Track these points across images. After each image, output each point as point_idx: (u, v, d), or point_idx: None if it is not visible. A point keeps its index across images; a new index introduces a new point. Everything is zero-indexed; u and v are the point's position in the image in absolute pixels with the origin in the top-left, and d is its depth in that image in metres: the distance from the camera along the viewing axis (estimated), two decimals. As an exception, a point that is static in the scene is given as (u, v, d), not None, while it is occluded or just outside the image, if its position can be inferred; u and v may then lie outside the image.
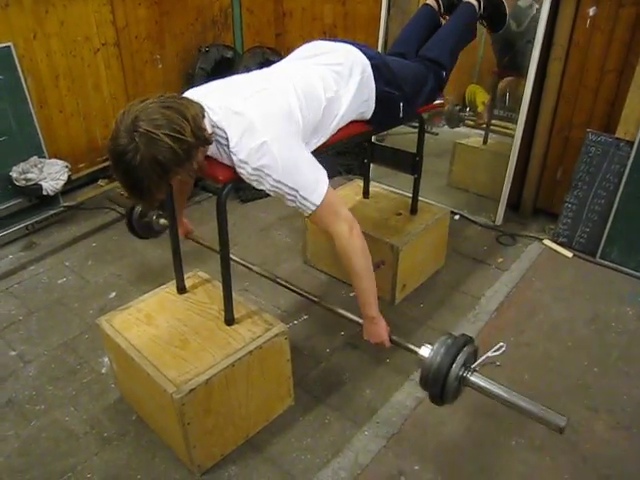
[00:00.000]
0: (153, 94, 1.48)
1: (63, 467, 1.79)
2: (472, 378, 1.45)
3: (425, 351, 1.51)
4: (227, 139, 1.56)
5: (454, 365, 1.42)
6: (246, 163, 1.54)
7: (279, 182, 1.56)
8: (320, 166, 1.64)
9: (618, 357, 2.23)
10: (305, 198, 1.58)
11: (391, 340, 1.69)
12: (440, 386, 1.44)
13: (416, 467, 1.78)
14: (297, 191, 1.57)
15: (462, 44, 2.33)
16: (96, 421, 1.96)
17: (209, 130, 1.54)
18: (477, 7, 2.38)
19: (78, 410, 2.01)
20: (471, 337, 1.51)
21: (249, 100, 1.60)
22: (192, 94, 1.66)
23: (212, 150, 1.62)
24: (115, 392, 2.08)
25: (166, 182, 1.47)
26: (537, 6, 2.80)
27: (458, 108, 3.45)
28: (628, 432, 1.90)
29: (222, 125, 1.56)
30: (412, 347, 1.60)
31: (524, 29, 2.91)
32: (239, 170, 1.58)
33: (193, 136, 1.43)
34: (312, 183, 1.59)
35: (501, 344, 1.46)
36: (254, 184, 1.60)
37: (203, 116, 1.52)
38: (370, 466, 1.78)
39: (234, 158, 1.56)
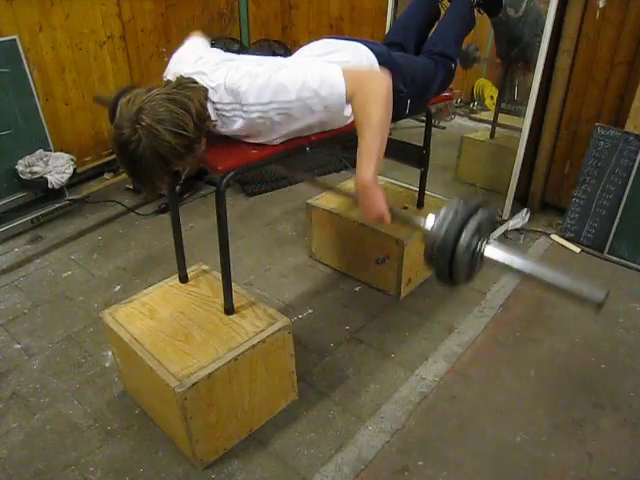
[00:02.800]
0: (159, 83, 1.48)
1: (66, 460, 1.79)
2: (488, 248, 1.23)
3: (430, 220, 1.28)
4: (232, 106, 1.56)
5: (464, 232, 1.20)
6: (258, 102, 1.52)
7: (298, 100, 1.52)
8: (325, 63, 1.61)
9: (625, 353, 2.21)
10: (330, 93, 1.52)
11: (391, 214, 1.47)
12: (448, 259, 1.22)
13: (420, 463, 1.77)
14: (318, 94, 1.52)
15: (464, 33, 2.30)
16: (100, 414, 1.96)
17: (212, 112, 1.56)
18: None
19: (82, 403, 2.01)
20: (485, 201, 1.28)
21: (250, 64, 1.63)
22: (195, 49, 1.72)
23: (220, 126, 1.63)
24: (119, 386, 2.08)
25: (167, 172, 1.48)
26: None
27: (473, 47, 3.31)
28: (634, 429, 1.88)
29: (221, 96, 1.56)
30: (415, 221, 1.38)
31: (522, 14, 2.88)
32: (253, 116, 1.55)
33: (195, 130, 1.44)
34: (326, 78, 1.52)
35: (526, 210, 1.25)
36: (277, 120, 1.55)
37: (207, 99, 1.52)
38: (374, 461, 1.77)
39: (244, 110, 1.55)
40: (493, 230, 1.28)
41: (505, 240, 2.98)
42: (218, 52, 1.80)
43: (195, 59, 1.72)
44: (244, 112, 1.57)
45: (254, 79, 1.54)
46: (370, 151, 1.46)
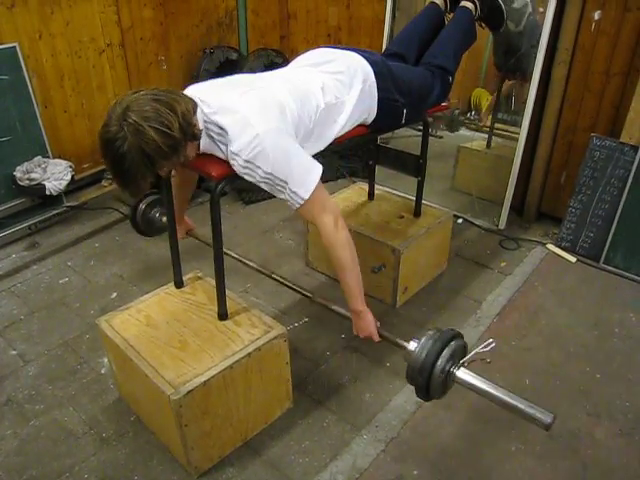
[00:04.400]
0: (147, 86, 1.50)
1: (61, 467, 1.79)
2: (459, 373, 1.45)
3: (412, 345, 1.51)
4: (220, 133, 1.58)
5: (440, 359, 1.42)
6: (238, 155, 1.55)
7: (270, 174, 1.56)
8: (312, 161, 1.64)
9: (621, 363, 2.21)
10: (294, 192, 1.59)
11: (380, 335, 1.69)
12: (425, 380, 1.43)
13: (415, 472, 1.77)
14: (287, 184, 1.58)
15: (464, 47, 2.32)
16: (95, 421, 1.96)
17: (200, 125, 1.57)
18: (474, 10, 2.37)
19: (77, 410, 2.01)
20: (459, 332, 1.51)
21: (244, 96, 1.63)
22: (191, 90, 1.69)
23: (205, 145, 1.64)
24: (114, 392, 2.08)
25: (152, 172, 1.50)
26: (531, 5, 2.82)
27: (458, 112, 3.44)
28: (630, 439, 1.88)
29: (215, 119, 1.58)
30: (400, 342, 1.61)
31: (522, 28, 2.90)
32: (232, 162, 1.59)
33: (181, 131, 1.46)
34: (302, 176, 1.59)
35: (490, 340, 1.45)
36: (246, 177, 1.61)
37: (195, 111, 1.54)
38: (368, 470, 1.77)
39: (226, 149, 1.58)
40: (464, 356, 1.48)
41: (501, 249, 2.99)
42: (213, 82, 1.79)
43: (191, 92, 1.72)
44: (230, 154, 1.58)
45: (244, 130, 1.54)
46: (352, 288, 1.68)
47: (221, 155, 1.64)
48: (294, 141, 1.63)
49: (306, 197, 1.59)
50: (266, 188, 1.63)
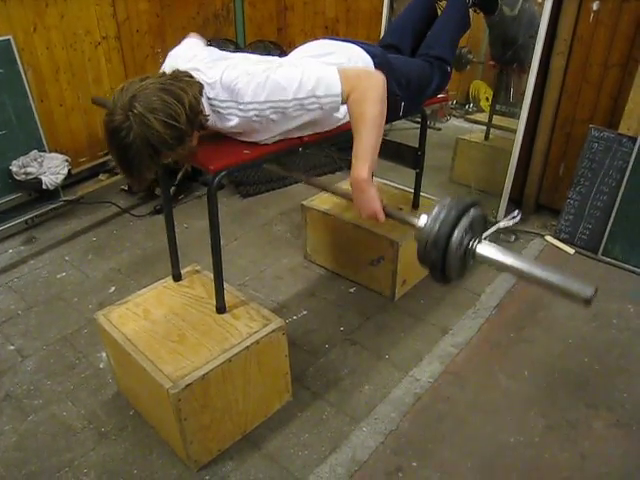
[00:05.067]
0: (153, 73, 1.49)
1: (60, 462, 1.79)
2: (480, 246, 1.26)
3: (423, 219, 1.31)
4: (227, 104, 1.57)
5: (457, 230, 1.23)
6: (254, 102, 1.53)
7: (294, 99, 1.53)
8: (322, 64, 1.62)
9: (619, 354, 2.21)
10: (327, 95, 1.53)
11: (385, 212, 1.50)
12: (441, 255, 1.24)
13: (414, 464, 1.77)
14: (314, 94, 1.53)
15: (459, 35, 2.30)
16: (94, 416, 1.96)
17: (206, 107, 1.56)
18: None
19: (76, 405, 2.00)
20: (478, 201, 1.31)
21: (246, 60, 1.65)
22: (191, 48, 1.72)
23: (214, 122, 1.63)
24: (113, 387, 2.07)
25: (156, 162, 1.49)
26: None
27: (466, 50, 3.34)
28: (628, 430, 1.89)
29: (217, 92, 1.57)
30: (409, 218, 1.42)
31: (517, 13, 2.89)
32: (251, 114, 1.55)
33: (187, 122, 1.46)
34: (322, 78, 1.53)
35: (516, 211, 1.32)
36: (275, 118, 1.56)
37: (201, 94, 1.53)
38: (368, 462, 1.77)
39: (240, 108, 1.55)
40: (485, 229, 1.30)
41: (500, 241, 2.99)
42: (213, 50, 1.80)
43: (190, 56, 1.73)
44: (240, 110, 1.57)
45: (251, 78, 1.54)
46: (365, 148, 1.48)
47: (234, 122, 1.61)
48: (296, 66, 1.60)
49: (339, 89, 1.52)
50: (304, 116, 1.58)
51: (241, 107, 1.56)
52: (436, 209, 1.26)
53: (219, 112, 1.61)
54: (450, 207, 1.25)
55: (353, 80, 1.53)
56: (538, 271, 1.18)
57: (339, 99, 1.55)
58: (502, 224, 1.30)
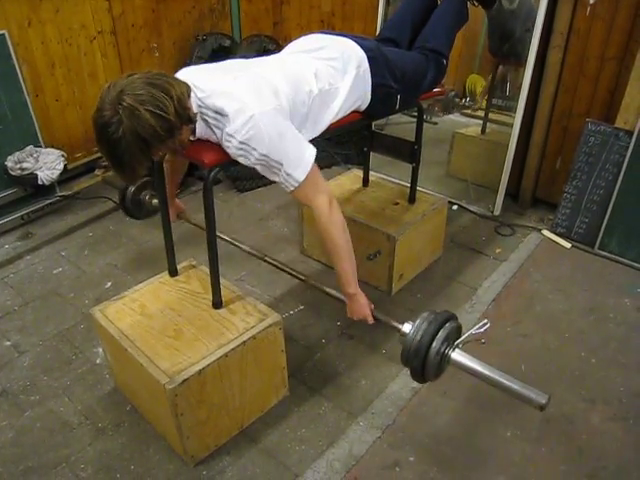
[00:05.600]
0: (140, 70, 1.48)
1: (57, 457, 1.79)
2: (454, 355, 1.45)
3: (407, 327, 1.52)
4: (215, 117, 1.56)
5: (435, 341, 1.42)
6: (233, 137, 1.53)
7: (265, 156, 1.55)
8: (307, 143, 1.63)
9: (616, 348, 2.22)
10: (289, 174, 1.58)
11: (374, 317, 1.69)
12: (421, 361, 1.43)
13: (411, 458, 1.77)
14: (282, 165, 1.57)
15: (457, 28, 2.30)
16: (90, 411, 1.96)
17: (194, 109, 1.56)
18: None
19: (72, 400, 2.00)
20: (453, 314, 1.51)
21: (238, 79, 1.61)
22: (183, 73, 1.67)
23: (200, 130, 1.62)
24: (110, 382, 2.07)
25: (147, 157, 1.49)
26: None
27: (453, 94, 3.42)
28: (624, 423, 1.89)
29: (209, 102, 1.56)
30: (394, 324, 1.61)
31: (516, 7, 2.88)
32: (226, 144, 1.57)
33: (176, 115, 1.45)
34: (297, 159, 1.58)
35: (485, 321, 1.45)
36: (240, 159, 1.59)
37: (189, 95, 1.53)
38: (365, 457, 1.77)
39: (221, 133, 1.56)
40: (458, 337, 1.49)
41: (497, 235, 2.99)
42: (207, 66, 1.78)
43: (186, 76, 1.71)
44: (221, 131, 1.56)
45: (240, 110, 1.52)
46: (346, 274, 1.68)
47: (215, 140, 1.62)
48: (289, 123, 1.61)
49: (301, 179, 1.58)
50: (260, 170, 1.61)
51: (225, 130, 1.56)
52: (418, 321, 1.47)
53: (206, 120, 1.59)
54: (430, 320, 1.45)
55: (314, 190, 1.62)
56: (501, 379, 1.38)
57: (294, 187, 1.60)
58: (473, 331, 1.47)
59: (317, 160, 1.62)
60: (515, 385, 1.35)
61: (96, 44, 3.49)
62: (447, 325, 1.46)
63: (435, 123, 3.77)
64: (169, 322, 1.82)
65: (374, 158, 2.80)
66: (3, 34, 2.89)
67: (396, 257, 2.42)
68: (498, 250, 2.86)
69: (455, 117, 3.75)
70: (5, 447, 1.82)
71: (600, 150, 2.75)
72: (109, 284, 2.64)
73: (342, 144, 3.95)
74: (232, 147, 1.56)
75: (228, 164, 1.66)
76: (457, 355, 1.45)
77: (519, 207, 3.26)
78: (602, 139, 2.73)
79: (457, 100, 3.47)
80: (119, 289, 2.41)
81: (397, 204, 2.64)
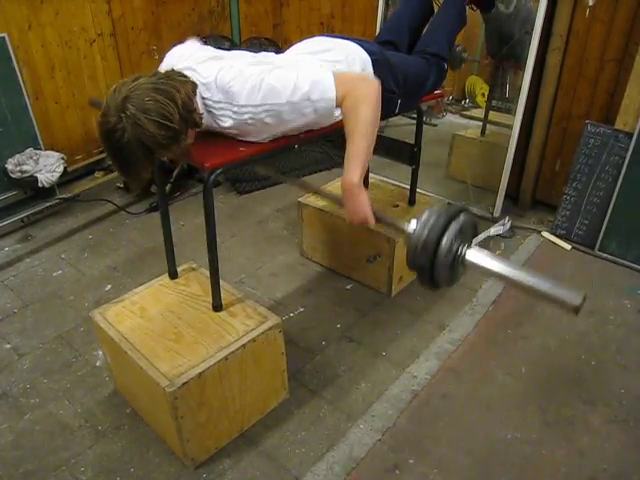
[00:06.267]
0: (146, 72, 1.49)
1: (57, 460, 1.78)
2: (470, 253, 1.24)
3: (412, 224, 1.29)
4: (219, 100, 1.57)
5: (446, 235, 1.21)
6: (249, 104, 1.53)
7: (289, 103, 1.53)
8: (317, 66, 1.63)
9: (616, 350, 2.21)
10: (321, 99, 1.54)
11: (376, 217, 1.50)
12: (429, 261, 1.22)
13: (411, 461, 1.77)
14: (309, 98, 1.54)
15: (456, 32, 2.30)
16: (90, 414, 1.95)
17: (200, 108, 1.56)
18: None
19: (72, 403, 2.00)
20: (467, 207, 1.31)
21: (240, 58, 1.65)
22: (181, 55, 1.70)
23: (206, 122, 1.63)
24: (109, 385, 2.07)
25: (152, 162, 1.50)
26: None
27: (461, 48, 3.35)
28: (625, 425, 1.89)
29: (212, 88, 1.57)
30: (398, 224, 1.41)
31: (513, 10, 2.88)
32: (245, 117, 1.56)
33: (181, 121, 1.46)
34: (317, 82, 1.54)
35: (507, 218, 1.29)
36: (270, 122, 1.56)
37: (195, 92, 1.54)
38: (365, 460, 1.77)
39: (234, 110, 1.55)
40: (475, 235, 1.29)
41: (497, 237, 2.99)
42: (209, 49, 1.80)
43: (185, 56, 1.73)
44: (234, 112, 1.57)
45: (245, 80, 1.54)
46: (358, 153, 1.48)
47: (229, 123, 1.61)
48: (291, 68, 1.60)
49: (333, 94, 1.53)
50: (299, 120, 1.58)
51: (235, 109, 1.56)
52: (425, 214, 1.25)
53: (213, 113, 1.60)
54: (439, 213, 1.24)
55: (348, 85, 1.53)
56: (529, 278, 1.17)
57: (333, 103, 1.55)
58: (493, 231, 1.28)
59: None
60: (545, 286, 1.15)
61: (96, 47, 3.49)
62: (460, 217, 1.23)
63: (435, 125, 3.77)
64: (169, 325, 1.82)
65: (373, 159, 2.80)
66: (3, 37, 2.90)
67: (396, 259, 2.42)
68: (498, 252, 2.86)
69: (455, 119, 3.75)
70: (5, 450, 1.82)
71: (600, 152, 2.75)
72: (109, 287, 2.64)
73: (342, 146, 3.94)
74: (253, 116, 1.54)
75: (229, 167, 1.66)
76: (474, 252, 1.23)
77: (519, 209, 3.25)
78: (602, 141, 2.73)
79: (465, 55, 3.39)
80: (119, 292, 2.41)
81: (397, 206, 2.64)
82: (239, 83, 1.54)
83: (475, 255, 1.23)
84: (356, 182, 1.48)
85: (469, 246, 1.24)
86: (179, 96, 1.45)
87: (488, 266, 1.22)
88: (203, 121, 1.61)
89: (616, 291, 2.55)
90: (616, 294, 2.53)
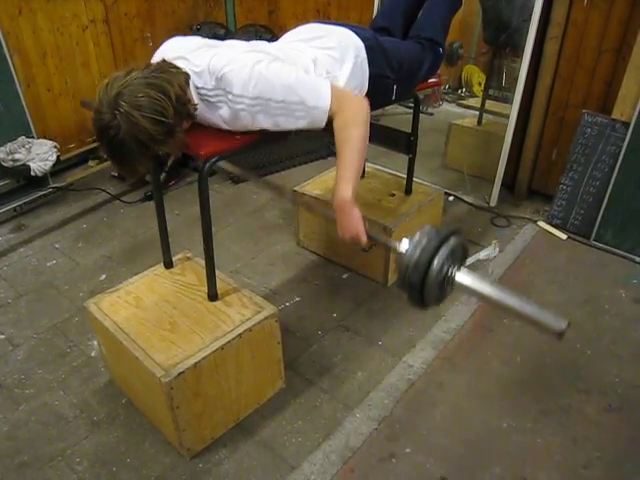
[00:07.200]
0: (138, 65, 1.47)
1: (52, 451, 1.78)
2: (459, 274, 1.28)
3: (404, 244, 1.32)
4: (216, 91, 1.55)
5: (436, 258, 1.25)
6: (242, 96, 1.51)
7: (283, 102, 1.52)
8: (314, 77, 1.62)
9: (611, 340, 2.22)
10: (316, 107, 1.54)
11: (368, 235, 1.50)
12: (420, 283, 1.25)
13: (407, 450, 1.77)
14: (304, 103, 1.53)
15: (451, 14, 2.27)
16: (86, 405, 1.95)
17: (194, 98, 1.55)
18: None
19: (67, 394, 1.99)
20: (458, 228, 1.34)
21: (234, 47, 1.63)
22: (173, 45, 1.68)
23: (202, 111, 1.61)
24: (105, 375, 2.06)
25: (148, 157, 1.48)
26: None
27: (458, 44, 3.36)
28: (619, 414, 1.90)
29: (205, 76, 1.55)
30: (390, 243, 1.42)
31: None
32: (238, 108, 1.53)
33: (175, 115, 1.44)
34: (314, 90, 1.54)
35: (495, 241, 1.33)
36: (261, 118, 1.55)
37: (187, 83, 1.52)
38: (361, 449, 1.77)
39: (229, 98, 1.53)
40: (465, 257, 1.33)
41: (493, 227, 2.99)
42: (200, 39, 1.77)
43: (176, 47, 1.71)
44: (229, 100, 1.55)
45: (240, 67, 1.51)
46: (349, 170, 1.50)
47: (224, 110, 1.59)
48: (289, 65, 1.59)
49: (327, 104, 1.53)
50: (285, 121, 1.57)
51: (230, 97, 1.54)
52: (417, 236, 1.28)
53: (208, 101, 1.58)
54: (430, 235, 1.27)
55: (341, 101, 1.55)
56: (515, 302, 1.22)
57: (326, 115, 1.55)
58: (482, 255, 1.30)
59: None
60: (531, 310, 1.19)
61: (88, 33, 3.45)
62: (451, 240, 1.27)
63: (431, 114, 3.76)
64: (164, 315, 1.81)
65: (370, 149, 2.78)
66: (-6, 23, 2.86)
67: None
68: (494, 241, 2.86)
69: (451, 108, 3.74)
70: (0, 441, 1.81)
71: (596, 141, 2.74)
72: (104, 276, 2.62)
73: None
74: (246, 107, 1.52)
75: (224, 155, 1.64)
76: (463, 275, 1.27)
77: (515, 198, 3.25)
78: (598, 130, 2.72)
79: (461, 52, 3.40)
80: (114, 281, 2.40)
81: (393, 195, 2.63)
82: (233, 69, 1.51)
83: (464, 277, 1.28)
84: (348, 198, 1.48)
85: (459, 268, 1.29)
86: (172, 90, 1.43)
87: (476, 288, 1.27)
88: (197, 112, 1.60)
89: (612, 281, 2.56)
90: (611, 283, 2.54)
